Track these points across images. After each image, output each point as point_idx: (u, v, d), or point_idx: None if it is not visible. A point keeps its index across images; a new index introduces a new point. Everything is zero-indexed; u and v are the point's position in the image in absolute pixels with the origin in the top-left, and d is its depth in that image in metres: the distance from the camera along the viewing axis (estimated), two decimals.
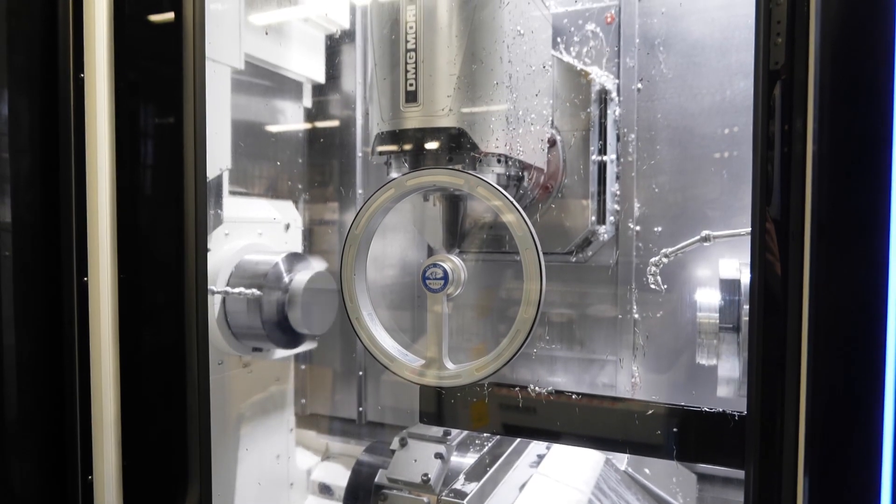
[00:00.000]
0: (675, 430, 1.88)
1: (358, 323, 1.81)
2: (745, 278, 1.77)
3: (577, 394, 1.99)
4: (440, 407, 2.16)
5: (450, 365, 1.75)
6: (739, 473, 2.24)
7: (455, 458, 2.11)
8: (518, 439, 2.15)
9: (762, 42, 1.22)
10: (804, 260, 1.16)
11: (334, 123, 2.96)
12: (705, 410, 1.84)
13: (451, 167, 1.70)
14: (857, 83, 1.12)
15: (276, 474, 2.79)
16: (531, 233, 1.61)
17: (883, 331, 1.09)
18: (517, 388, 2.05)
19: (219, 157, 2.32)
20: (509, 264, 2.51)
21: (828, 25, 1.14)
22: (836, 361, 1.15)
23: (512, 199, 1.62)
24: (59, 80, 1.73)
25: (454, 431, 2.17)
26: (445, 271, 1.74)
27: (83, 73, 1.72)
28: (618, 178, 2.30)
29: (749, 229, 1.80)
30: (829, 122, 1.13)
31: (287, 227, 2.72)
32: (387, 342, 1.81)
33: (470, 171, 1.67)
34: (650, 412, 1.91)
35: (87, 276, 1.76)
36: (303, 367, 3.09)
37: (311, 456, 3.09)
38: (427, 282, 1.75)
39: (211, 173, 2.17)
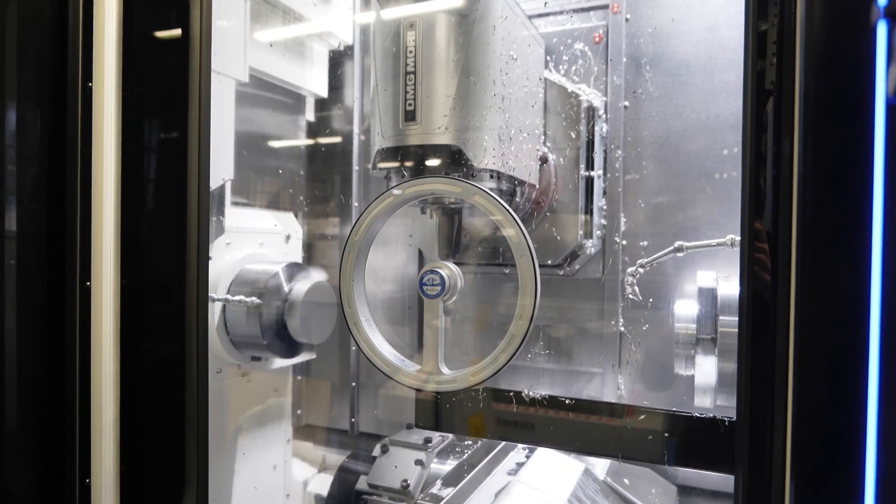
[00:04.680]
0: (666, 434, 1.91)
1: (356, 328, 1.84)
2: (722, 289, 1.82)
3: (571, 399, 2.01)
4: (436, 412, 2.18)
5: (445, 370, 1.78)
6: (721, 486, 2.28)
7: (435, 466, 2.11)
8: (498, 448, 2.17)
9: (753, 61, 1.27)
10: (791, 270, 1.19)
11: (336, 137, 3.01)
12: (696, 416, 1.87)
13: (449, 176, 1.76)
14: (841, 98, 1.16)
15: (272, 484, 2.77)
16: (527, 240, 1.64)
17: (866, 338, 1.12)
18: (511, 393, 2.08)
19: (222, 167, 2.35)
20: (503, 277, 2.55)
21: (812, 46, 1.19)
22: (823, 367, 1.18)
23: (508, 206, 1.67)
24: (67, 89, 1.75)
25: (435, 439, 2.19)
26: (442, 277, 1.76)
27: (91, 81, 1.74)
28: (605, 193, 2.36)
29: (720, 240, 1.87)
30: (814, 137, 1.17)
31: (287, 238, 2.74)
32: (384, 348, 1.84)
33: (467, 181, 1.72)
34: (642, 417, 1.93)
35: (90, 280, 1.77)
36: (298, 377, 3.10)
37: (307, 467, 3.09)
38: (424, 288, 1.78)
39: (213, 183, 2.17)
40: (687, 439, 1.89)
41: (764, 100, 1.25)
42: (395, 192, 1.76)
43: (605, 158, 2.36)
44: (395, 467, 2.09)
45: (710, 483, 2.29)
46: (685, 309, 1.89)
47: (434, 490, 1.86)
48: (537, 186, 2.22)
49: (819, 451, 1.18)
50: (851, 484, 1.14)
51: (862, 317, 1.12)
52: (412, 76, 1.75)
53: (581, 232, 2.28)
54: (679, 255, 1.99)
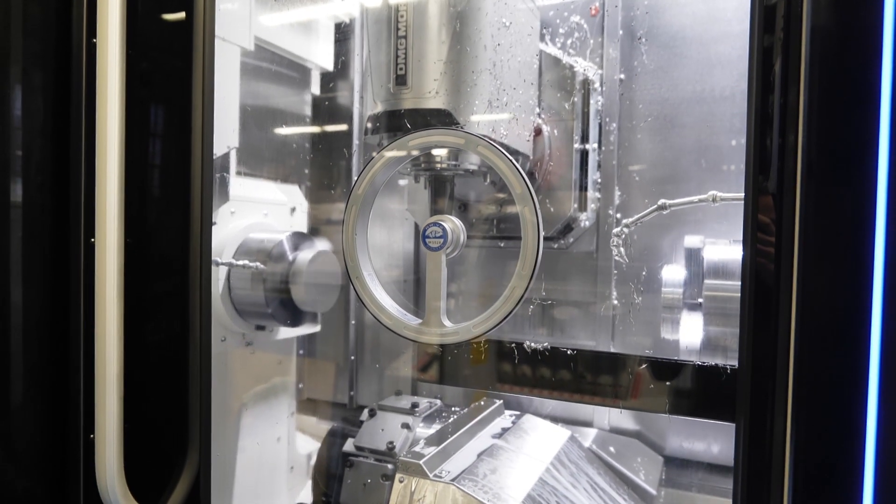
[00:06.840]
0: (667, 384, 1.90)
1: (358, 282, 1.84)
2: (709, 253, 1.83)
3: (573, 349, 2.01)
4: (440, 366, 2.18)
5: (447, 323, 1.78)
6: (708, 458, 2.26)
7: (421, 430, 2.13)
8: (484, 413, 2.18)
9: (760, 36, 1.26)
10: (795, 227, 1.19)
11: (340, 111, 3.02)
12: (698, 364, 1.86)
13: (451, 128, 1.77)
14: (847, 61, 1.16)
15: (277, 456, 2.79)
16: (529, 188, 1.65)
17: (869, 286, 1.12)
18: (513, 345, 2.08)
19: (226, 135, 2.35)
20: (499, 252, 2.57)
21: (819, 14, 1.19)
22: (825, 314, 1.18)
23: (510, 157, 1.66)
24: (72, 44, 1.76)
25: (423, 404, 2.21)
26: (445, 230, 1.77)
27: (95, 37, 1.73)
28: (599, 166, 2.36)
29: (702, 196, 1.87)
30: (820, 98, 1.17)
31: (293, 210, 2.75)
32: (386, 301, 1.84)
33: (470, 132, 1.73)
34: (643, 367, 1.93)
35: (94, 237, 1.77)
36: (300, 352, 3.13)
37: (308, 440, 3.12)
38: (427, 240, 1.78)
39: (218, 150, 2.20)
40: (689, 388, 1.88)
41: (770, 69, 1.25)
42: (397, 144, 1.76)
43: (599, 131, 2.36)
44: (382, 430, 2.12)
45: (698, 456, 2.29)
46: (672, 274, 1.90)
47: (417, 449, 1.88)
48: (531, 158, 2.23)
49: (821, 399, 1.18)
50: (853, 432, 1.13)
51: (865, 265, 1.12)
52: (403, 41, 1.78)
53: (575, 205, 2.29)
54: (663, 212, 1.99)
